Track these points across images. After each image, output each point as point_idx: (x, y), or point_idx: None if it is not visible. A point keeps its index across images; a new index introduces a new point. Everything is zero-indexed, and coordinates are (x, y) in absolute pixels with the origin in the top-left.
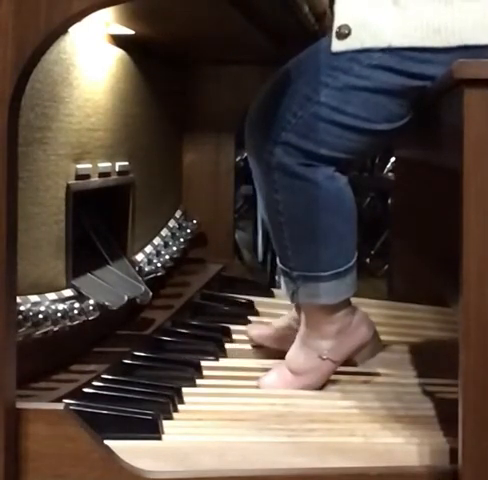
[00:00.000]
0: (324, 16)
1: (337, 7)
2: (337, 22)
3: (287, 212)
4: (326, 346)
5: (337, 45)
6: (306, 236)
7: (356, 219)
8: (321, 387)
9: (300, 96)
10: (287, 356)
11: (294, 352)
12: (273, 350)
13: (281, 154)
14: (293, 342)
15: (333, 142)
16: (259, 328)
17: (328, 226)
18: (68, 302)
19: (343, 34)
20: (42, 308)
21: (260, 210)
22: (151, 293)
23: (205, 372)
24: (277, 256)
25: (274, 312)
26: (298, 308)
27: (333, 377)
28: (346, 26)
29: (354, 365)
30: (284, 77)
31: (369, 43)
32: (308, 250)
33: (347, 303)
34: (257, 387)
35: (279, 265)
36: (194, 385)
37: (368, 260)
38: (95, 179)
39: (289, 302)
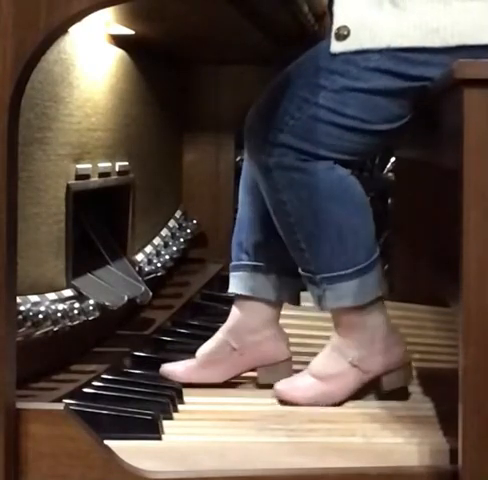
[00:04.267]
0: (324, 16)
1: (336, 8)
2: (336, 23)
3: (294, 211)
4: (357, 354)
5: (336, 46)
6: (319, 233)
7: (369, 211)
8: (341, 403)
9: (298, 99)
10: (311, 363)
11: (320, 357)
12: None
13: (278, 155)
14: (235, 364)
15: (333, 144)
16: (179, 364)
17: (338, 218)
18: (68, 302)
19: (342, 35)
20: (42, 308)
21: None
22: (151, 293)
23: None
24: (298, 265)
25: None
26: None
27: None
28: (345, 27)
29: (380, 390)
30: (282, 81)
31: (368, 44)
32: (324, 248)
33: (382, 313)
34: (277, 396)
35: (301, 273)
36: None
37: None
38: (95, 179)
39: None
